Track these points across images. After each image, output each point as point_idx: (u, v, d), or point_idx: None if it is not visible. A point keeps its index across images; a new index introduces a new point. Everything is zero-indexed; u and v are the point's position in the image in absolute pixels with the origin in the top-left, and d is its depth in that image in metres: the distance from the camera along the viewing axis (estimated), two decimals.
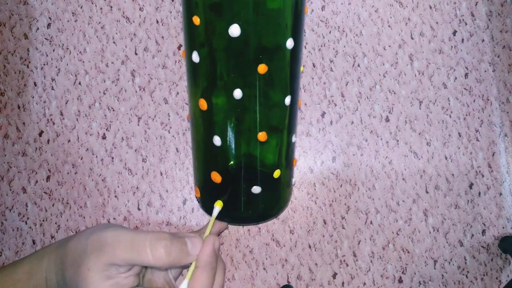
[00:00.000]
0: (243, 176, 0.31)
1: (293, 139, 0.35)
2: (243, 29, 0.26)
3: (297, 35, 0.29)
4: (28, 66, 0.53)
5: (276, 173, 0.33)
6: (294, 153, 0.37)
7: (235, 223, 0.37)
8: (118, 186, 0.51)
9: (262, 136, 0.30)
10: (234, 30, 0.26)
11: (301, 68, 0.33)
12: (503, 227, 0.53)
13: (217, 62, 0.29)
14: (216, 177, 0.31)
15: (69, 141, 0.52)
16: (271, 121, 0.31)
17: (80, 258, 0.25)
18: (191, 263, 0.27)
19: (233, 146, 0.31)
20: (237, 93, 0.28)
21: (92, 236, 0.26)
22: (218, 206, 0.32)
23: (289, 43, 0.28)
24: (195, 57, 0.29)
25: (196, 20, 0.27)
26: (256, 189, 0.31)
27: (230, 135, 0.30)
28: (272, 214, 0.36)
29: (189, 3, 0.28)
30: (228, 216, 0.33)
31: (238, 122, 0.30)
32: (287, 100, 0.30)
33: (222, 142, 0.30)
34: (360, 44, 0.54)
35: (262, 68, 0.27)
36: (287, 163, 0.35)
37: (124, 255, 0.24)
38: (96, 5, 0.54)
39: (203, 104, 0.30)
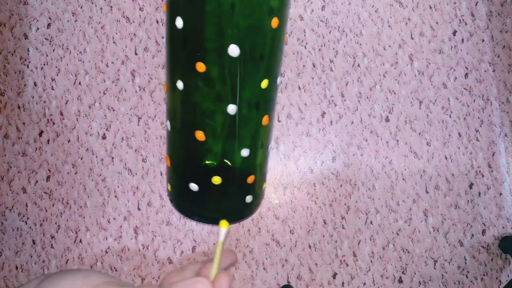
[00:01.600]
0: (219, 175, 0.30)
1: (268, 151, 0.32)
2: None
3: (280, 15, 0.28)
4: (28, 66, 0.53)
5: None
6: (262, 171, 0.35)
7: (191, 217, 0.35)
8: (118, 186, 0.51)
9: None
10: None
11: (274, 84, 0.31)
12: (503, 227, 0.53)
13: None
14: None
15: (69, 141, 0.52)
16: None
17: None
18: None
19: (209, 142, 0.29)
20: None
21: None
22: (224, 227, 0.28)
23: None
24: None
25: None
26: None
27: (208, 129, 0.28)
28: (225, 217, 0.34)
29: None
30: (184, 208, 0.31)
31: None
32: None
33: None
34: (360, 44, 0.54)
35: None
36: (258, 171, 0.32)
37: None
38: (96, 5, 0.54)
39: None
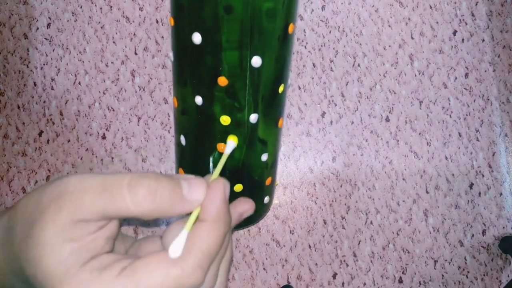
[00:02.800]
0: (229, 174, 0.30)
1: (264, 157, 0.32)
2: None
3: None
4: (28, 66, 0.53)
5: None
6: (273, 170, 0.35)
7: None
8: None
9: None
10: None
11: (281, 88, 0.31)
12: (503, 227, 0.53)
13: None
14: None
15: (68, 141, 0.52)
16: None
17: (33, 217, 0.18)
18: (188, 214, 0.20)
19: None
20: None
21: (49, 186, 0.19)
22: (232, 140, 0.26)
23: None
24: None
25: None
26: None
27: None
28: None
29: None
30: None
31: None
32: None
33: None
34: (360, 44, 0.54)
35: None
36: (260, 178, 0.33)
37: (93, 204, 0.18)
38: (96, 5, 0.54)
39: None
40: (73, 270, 0.18)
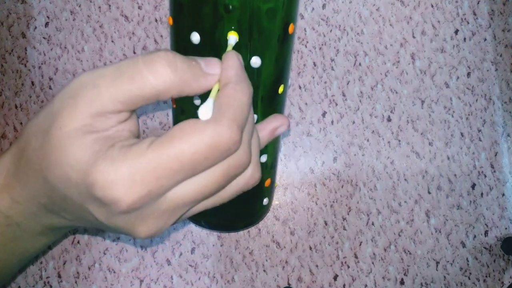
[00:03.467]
0: None
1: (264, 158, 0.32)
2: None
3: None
4: (25, 65, 0.53)
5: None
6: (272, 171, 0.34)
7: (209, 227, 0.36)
8: None
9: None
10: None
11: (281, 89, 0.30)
12: (506, 228, 0.52)
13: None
14: None
15: None
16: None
17: (47, 122, 0.17)
18: (208, 91, 0.19)
19: None
20: None
21: (57, 95, 0.17)
22: (234, 35, 0.24)
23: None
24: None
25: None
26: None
27: None
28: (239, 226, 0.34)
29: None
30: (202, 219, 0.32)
31: None
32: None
33: None
34: (362, 43, 0.53)
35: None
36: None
37: (110, 90, 0.16)
38: (94, 4, 0.53)
39: None
40: (102, 150, 0.16)
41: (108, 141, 0.17)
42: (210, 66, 0.18)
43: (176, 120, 0.32)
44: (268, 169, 0.33)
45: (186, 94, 0.18)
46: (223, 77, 0.18)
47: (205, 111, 0.17)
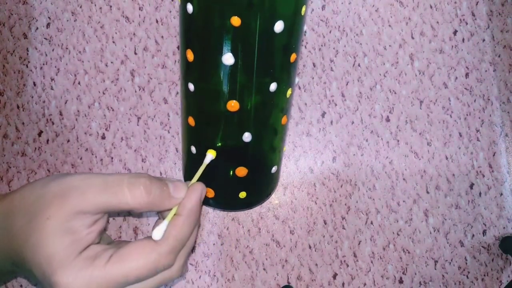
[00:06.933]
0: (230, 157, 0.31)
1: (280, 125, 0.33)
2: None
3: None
4: (27, 66, 0.53)
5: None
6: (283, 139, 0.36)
7: (219, 207, 0.37)
8: None
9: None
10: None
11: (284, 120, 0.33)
12: (504, 228, 0.53)
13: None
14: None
15: (68, 141, 0.52)
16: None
17: (36, 207, 0.21)
18: (169, 209, 0.24)
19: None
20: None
21: (53, 182, 0.22)
22: (211, 154, 0.29)
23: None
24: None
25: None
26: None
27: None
28: (254, 201, 0.35)
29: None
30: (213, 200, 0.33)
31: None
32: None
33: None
34: (361, 44, 0.53)
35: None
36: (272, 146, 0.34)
37: (96, 198, 0.21)
38: (95, 5, 0.54)
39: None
40: (70, 258, 0.21)
41: (79, 245, 0.21)
42: (177, 191, 0.24)
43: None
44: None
45: (153, 211, 0.25)
46: (181, 206, 0.24)
47: (157, 233, 0.22)
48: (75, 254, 0.21)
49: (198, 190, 0.24)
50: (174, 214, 0.24)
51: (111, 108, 0.52)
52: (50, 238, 0.20)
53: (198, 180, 0.27)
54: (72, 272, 0.20)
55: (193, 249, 0.50)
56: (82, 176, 0.22)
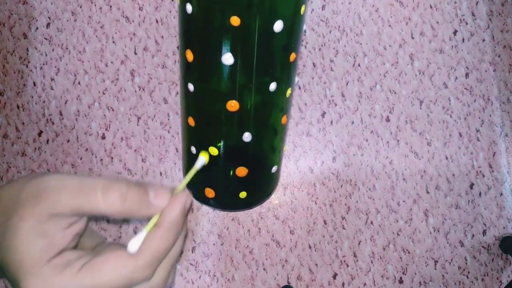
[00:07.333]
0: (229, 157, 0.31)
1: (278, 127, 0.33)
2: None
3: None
4: (27, 66, 0.53)
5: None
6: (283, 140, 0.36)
7: (220, 207, 0.37)
8: None
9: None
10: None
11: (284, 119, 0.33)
12: (504, 228, 0.53)
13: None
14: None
15: (68, 141, 0.52)
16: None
17: (12, 206, 0.20)
18: (151, 218, 0.23)
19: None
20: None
21: (29, 182, 0.21)
22: (203, 156, 0.28)
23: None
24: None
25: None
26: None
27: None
28: (255, 200, 0.35)
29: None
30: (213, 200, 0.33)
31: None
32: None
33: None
34: (361, 44, 0.53)
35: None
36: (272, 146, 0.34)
37: (69, 201, 0.20)
38: (95, 5, 0.54)
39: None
40: (40, 264, 0.20)
41: (51, 250, 0.20)
42: (158, 198, 0.22)
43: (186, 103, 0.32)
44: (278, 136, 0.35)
45: (130, 218, 0.23)
46: (162, 217, 0.22)
47: (133, 245, 0.21)
48: (46, 260, 0.20)
49: (181, 200, 0.22)
50: (155, 224, 0.22)
51: (111, 108, 0.52)
52: (22, 241, 0.20)
53: (197, 180, 0.27)
54: (40, 280, 0.20)
55: (193, 250, 0.50)
56: (59, 177, 0.21)
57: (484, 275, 0.52)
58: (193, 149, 0.31)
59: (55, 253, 0.20)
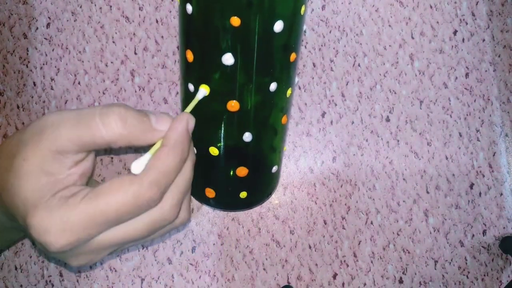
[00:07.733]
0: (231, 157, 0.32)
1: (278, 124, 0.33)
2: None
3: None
4: (27, 66, 0.53)
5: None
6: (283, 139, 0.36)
7: (221, 208, 0.37)
8: None
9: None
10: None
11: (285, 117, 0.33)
12: (504, 228, 0.53)
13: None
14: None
15: None
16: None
17: (15, 149, 0.20)
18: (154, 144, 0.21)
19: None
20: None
21: (29, 126, 0.20)
22: (204, 89, 0.27)
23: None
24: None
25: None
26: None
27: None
28: (255, 200, 0.35)
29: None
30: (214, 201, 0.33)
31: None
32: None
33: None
34: (361, 44, 0.53)
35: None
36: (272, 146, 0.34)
37: (69, 133, 0.19)
38: (95, 5, 0.54)
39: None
40: (45, 197, 0.19)
41: (55, 187, 0.20)
42: (160, 123, 0.22)
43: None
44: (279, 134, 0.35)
45: (135, 145, 0.22)
46: (165, 137, 0.21)
47: (137, 166, 0.20)
48: (50, 194, 0.19)
49: (183, 119, 0.21)
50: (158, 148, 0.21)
51: None
52: (26, 180, 0.19)
53: (197, 180, 0.27)
54: (45, 213, 0.19)
55: (193, 250, 0.50)
56: (58, 113, 0.20)
57: (484, 275, 0.52)
58: (194, 150, 0.31)
59: (61, 188, 0.20)
